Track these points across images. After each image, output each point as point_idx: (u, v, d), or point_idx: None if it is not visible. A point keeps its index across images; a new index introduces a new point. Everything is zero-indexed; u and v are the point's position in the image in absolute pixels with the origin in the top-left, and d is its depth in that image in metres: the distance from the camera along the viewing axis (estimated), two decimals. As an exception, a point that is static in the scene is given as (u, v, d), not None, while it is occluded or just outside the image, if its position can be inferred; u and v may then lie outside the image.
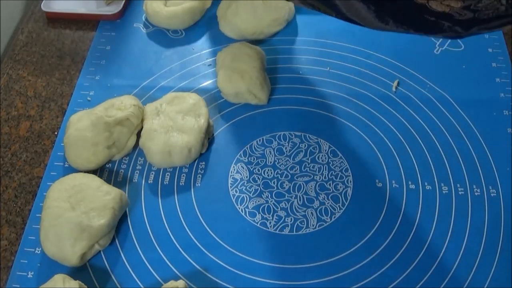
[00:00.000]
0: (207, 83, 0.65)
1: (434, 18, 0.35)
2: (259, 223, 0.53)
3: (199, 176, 0.57)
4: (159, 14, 0.69)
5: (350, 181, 0.56)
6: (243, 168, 0.57)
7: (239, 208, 0.54)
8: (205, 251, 0.51)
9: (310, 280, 0.50)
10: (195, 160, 0.58)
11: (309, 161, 0.58)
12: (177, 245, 0.52)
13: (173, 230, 0.53)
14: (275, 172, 0.57)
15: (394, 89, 0.63)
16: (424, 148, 0.58)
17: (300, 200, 0.55)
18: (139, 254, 0.51)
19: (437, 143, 0.59)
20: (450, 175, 0.56)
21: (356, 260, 0.51)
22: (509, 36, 0.69)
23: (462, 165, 0.57)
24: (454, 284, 0.49)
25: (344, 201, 0.55)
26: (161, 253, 0.51)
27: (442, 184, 0.56)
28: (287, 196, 0.55)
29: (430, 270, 0.50)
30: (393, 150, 0.58)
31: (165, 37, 0.70)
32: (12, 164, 0.59)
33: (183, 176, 0.57)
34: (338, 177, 0.56)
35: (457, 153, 0.58)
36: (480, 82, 0.64)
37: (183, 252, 0.51)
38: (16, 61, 0.69)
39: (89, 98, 0.64)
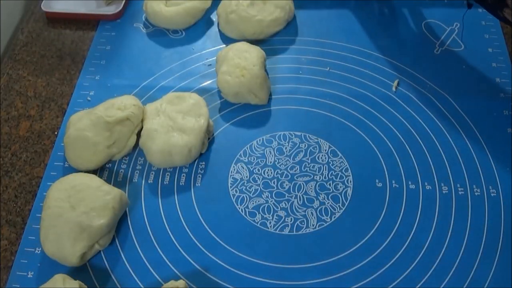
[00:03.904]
0: (207, 83, 0.65)
1: None
2: (259, 223, 0.53)
3: (199, 176, 0.57)
4: (159, 14, 0.69)
5: (350, 181, 0.56)
6: (243, 168, 0.57)
7: (239, 208, 0.54)
8: (205, 251, 0.51)
9: (310, 280, 0.50)
10: (195, 160, 0.58)
11: (309, 161, 0.58)
12: (177, 245, 0.52)
13: (173, 230, 0.53)
14: (275, 172, 0.57)
15: (394, 89, 0.63)
16: (424, 148, 0.58)
17: (300, 200, 0.55)
18: (139, 254, 0.51)
19: (437, 143, 0.59)
20: (450, 175, 0.56)
21: (356, 260, 0.51)
22: (509, 36, 0.69)
23: (462, 165, 0.57)
24: (454, 284, 0.49)
25: (344, 201, 0.55)
26: (161, 253, 0.51)
27: (442, 184, 0.56)
28: (287, 196, 0.55)
29: (430, 270, 0.50)
30: (393, 150, 0.58)
31: (165, 37, 0.70)
32: (12, 164, 0.59)
33: (183, 176, 0.57)
34: (338, 177, 0.56)
35: (457, 153, 0.58)
36: (480, 82, 0.64)
37: (183, 252, 0.51)
38: (16, 61, 0.69)
39: (89, 98, 0.64)
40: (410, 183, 0.56)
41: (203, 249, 0.52)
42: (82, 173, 0.54)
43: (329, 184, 0.56)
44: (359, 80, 0.64)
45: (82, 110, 0.60)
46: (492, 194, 0.55)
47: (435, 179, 0.56)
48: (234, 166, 0.58)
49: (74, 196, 0.51)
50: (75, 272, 0.50)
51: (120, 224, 0.53)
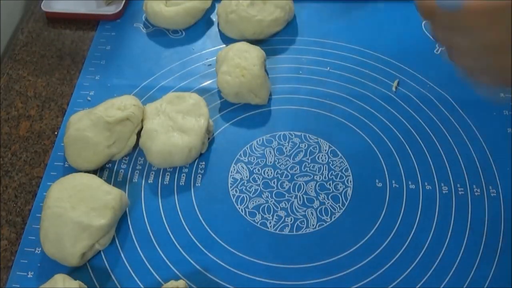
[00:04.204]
0: (207, 83, 0.65)
1: None
2: (259, 223, 0.53)
3: (199, 176, 0.57)
4: (159, 14, 0.69)
5: (350, 181, 0.56)
6: (243, 168, 0.57)
7: (239, 208, 0.54)
8: (205, 251, 0.51)
9: (310, 280, 0.50)
10: (195, 160, 0.58)
11: (309, 161, 0.58)
12: (177, 245, 0.52)
13: (173, 230, 0.53)
14: (275, 172, 0.57)
15: (394, 89, 0.63)
16: (424, 148, 0.58)
17: (300, 200, 0.55)
18: (139, 254, 0.51)
19: (437, 143, 0.59)
20: (450, 175, 0.56)
21: (356, 260, 0.51)
22: (509, 36, 0.69)
23: (462, 165, 0.57)
24: (454, 284, 0.49)
25: (344, 201, 0.55)
26: (161, 253, 0.51)
27: (442, 184, 0.56)
28: (287, 196, 0.55)
29: (430, 270, 0.50)
30: (393, 150, 0.58)
31: (165, 37, 0.70)
32: (12, 164, 0.59)
33: (183, 176, 0.57)
34: (338, 177, 0.56)
35: (457, 153, 0.58)
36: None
37: (183, 252, 0.51)
38: (16, 61, 0.69)
39: (89, 98, 0.64)
40: (410, 183, 0.56)
41: (203, 249, 0.52)
42: (82, 173, 0.54)
43: (329, 184, 0.56)
44: (359, 80, 0.64)
45: (82, 110, 0.60)
46: (492, 194, 0.55)
47: (435, 179, 0.56)
48: (234, 166, 0.58)
49: (74, 196, 0.51)
50: (75, 272, 0.50)
51: (120, 224, 0.53)
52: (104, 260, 0.51)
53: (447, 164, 0.57)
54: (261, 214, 0.54)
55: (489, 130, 0.60)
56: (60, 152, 0.59)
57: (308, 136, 0.60)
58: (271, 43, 0.69)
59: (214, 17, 0.72)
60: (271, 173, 0.57)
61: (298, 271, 0.50)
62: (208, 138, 0.59)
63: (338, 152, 0.58)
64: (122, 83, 0.65)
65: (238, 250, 0.51)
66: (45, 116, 0.63)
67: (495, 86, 0.41)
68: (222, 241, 0.52)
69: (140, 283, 0.50)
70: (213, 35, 0.70)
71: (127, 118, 0.57)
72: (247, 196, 0.55)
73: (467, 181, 0.56)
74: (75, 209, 0.49)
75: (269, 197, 0.55)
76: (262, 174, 0.57)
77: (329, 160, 0.58)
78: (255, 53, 0.62)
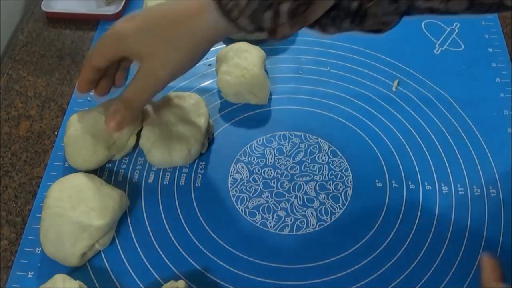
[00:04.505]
0: (207, 83, 0.65)
1: None
2: (259, 223, 0.53)
3: (199, 176, 0.57)
4: (159, 14, 0.69)
5: (350, 181, 0.56)
6: (243, 168, 0.57)
7: (239, 208, 0.54)
8: (205, 251, 0.51)
9: (310, 280, 0.50)
10: (195, 160, 0.58)
11: (309, 161, 0.58)
12: (177, 245, 0.52)
13: (173, 230, 0.53)
14: (275, 172, 0.57)
15: (394, 89, 0.64)
16: (424, 148, 0.58)
17: (300, 200, 0.55)
18: (139, 254, 0.51)
19: (437, 143, 0.59)
20: (450, 175, 0.56)
21: (356, 260, 0.51)
22: (509, 36, 0.69)
23: (462, 165, 0.57)
24: (454, 284, 0.49)
25: (344, 201, 0.55)
26: (161, 253, 0.51)
27: (442, 184, 0.56)
28: (287, 196, 0.55)
29: (430, 270, 0.50)
30: (393, 150, 0.58)
31: (165, 37, 0.70)
32: (12, 164, 0.59)
33: (183, 176, 0.57)
34: (338, 177, 0.56)
35: (457, 153, 0.58)
36: (480, 82, 0.64)
37: (183, 252, 0.51)
38: (16, 61, 0.69)
39: (89, 98, 0.64)
40: (410, 183, 0.56)
41: (203, 249, 0.52)
42: (82, 173, 0.54)
43: (329, 184, 0.56)
44: (359, 80, 0.65)
45: (82, 110, 0.60)
46: (492, 194, 0.55)
47: (435, 179, 0.56)
48: (234, 166, 0.58)
49: (74, 196, 0.50)
50: (75, 272, 0.50)
51: (120, 224, 0.53)
52: (104, 260, 0.51)
53: (447, 164, 0.57)
54: (261, 214, 0.54)
55: (489, 130, 0.60)
56: (60, 152, 0.59)
57: (308, 136, 0.60)
58: (271, 43, 0.69)
59: (214, 17, 0.72)
60: (271, 173, 0.57)
61: (298, 271, 0.50)
62: (208, 138, 0.59)
63: (338, 152, 0.58)
64: (122, 83, 0.65)
65: (238, 250, 0.51)
66: (45, 116, 0.63)
67: None
68: (222, 241, 0.52)
69: (140, 283, 0.50)
70: (213, 35, 0.70)
71: (127, 118, 0.57)
72: (247, 196, 0.55)
73: (467, 181, 0.56)
74: (75, 209, 0.49)
75: (269, 197, 0.55)
76: (262, 174, 0.57)
77: (329, 160, 0.58)
78: (255, 53, 0.62)
